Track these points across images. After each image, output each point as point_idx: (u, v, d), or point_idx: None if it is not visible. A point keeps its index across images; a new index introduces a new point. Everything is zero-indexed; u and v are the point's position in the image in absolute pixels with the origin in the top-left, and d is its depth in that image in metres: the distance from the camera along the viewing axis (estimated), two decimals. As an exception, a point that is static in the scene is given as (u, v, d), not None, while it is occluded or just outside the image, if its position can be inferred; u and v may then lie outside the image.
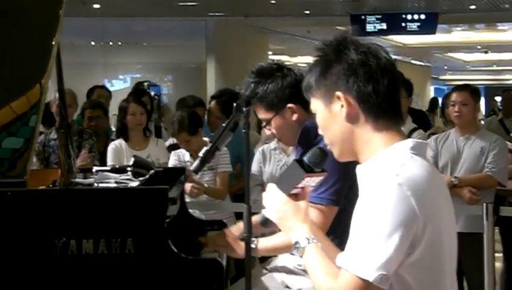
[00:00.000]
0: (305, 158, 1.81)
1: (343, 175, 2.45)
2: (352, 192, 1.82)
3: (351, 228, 1.65)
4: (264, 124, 2.80)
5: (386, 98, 1.72)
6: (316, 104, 1.79)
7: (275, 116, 2.72)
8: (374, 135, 1.72)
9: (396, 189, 1.60)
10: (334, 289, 1.64)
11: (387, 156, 1.69)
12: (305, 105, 2.47)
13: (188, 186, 4.41)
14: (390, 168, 1.64)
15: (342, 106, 1.73)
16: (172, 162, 4.60)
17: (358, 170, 1.76)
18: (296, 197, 1.82)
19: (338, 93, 1.73)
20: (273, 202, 1.81)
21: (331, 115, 1.75)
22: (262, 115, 2.75)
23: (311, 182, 1.83)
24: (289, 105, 2.70)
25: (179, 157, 4.59)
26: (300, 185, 1.81)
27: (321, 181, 1.86)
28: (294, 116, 2.71)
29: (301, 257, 1.74)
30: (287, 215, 1.79)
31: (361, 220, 1.62)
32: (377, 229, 1.59)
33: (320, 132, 1.82)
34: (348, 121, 1.73)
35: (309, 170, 1.79)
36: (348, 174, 1.79)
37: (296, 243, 1.75)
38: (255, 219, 2.38)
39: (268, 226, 1.91)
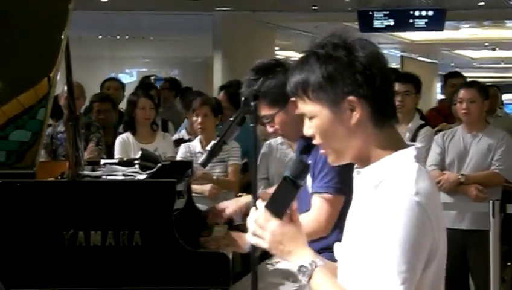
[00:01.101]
0: (289, 173, 1.67)
1: (347, 165, 2.43)
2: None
3: (360, 247, 1.59)
4: (266, 121, 2.76)
5: (390, 100, 1.69)
6: (314, 107, 1.67)
7: (278, 112, 2.71)
8: (379, 139, 1.66)
9: (418, 210, 1.54)
10: None
11: (395, 167, 1.62)
12: None
13: (207, 187, 4.43)
14: (405, 185, 1.57)
15: (351, 110, 1.63)
16: (181, 154, 4.60)
17: (359, 173, 1.69)
18: (289, 219, 1.68)
19: (351, 98, 1.62)
20: (267, 225, 1.64)
21: (337, 119, 1.64)
22: (266, 111, 2.73)
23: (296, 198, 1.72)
24: (292, 99, 2.69)
25: (189, 149, 4.60)
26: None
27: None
28: (298, 110, 2.70)
29: (308, 281, 1.61)
30: (287, 239, 1.64)
31: (383, 243, 1.53)
32: (404, 251, 1.52)
33: (317, 136, 1.69)
34: (357, 125, 1.63)
35: (297, 185, 1.67)
36: (353, 166, 1.76)
37: (302, 267, 1.61)
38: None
39: (258, 253, 1.78)
